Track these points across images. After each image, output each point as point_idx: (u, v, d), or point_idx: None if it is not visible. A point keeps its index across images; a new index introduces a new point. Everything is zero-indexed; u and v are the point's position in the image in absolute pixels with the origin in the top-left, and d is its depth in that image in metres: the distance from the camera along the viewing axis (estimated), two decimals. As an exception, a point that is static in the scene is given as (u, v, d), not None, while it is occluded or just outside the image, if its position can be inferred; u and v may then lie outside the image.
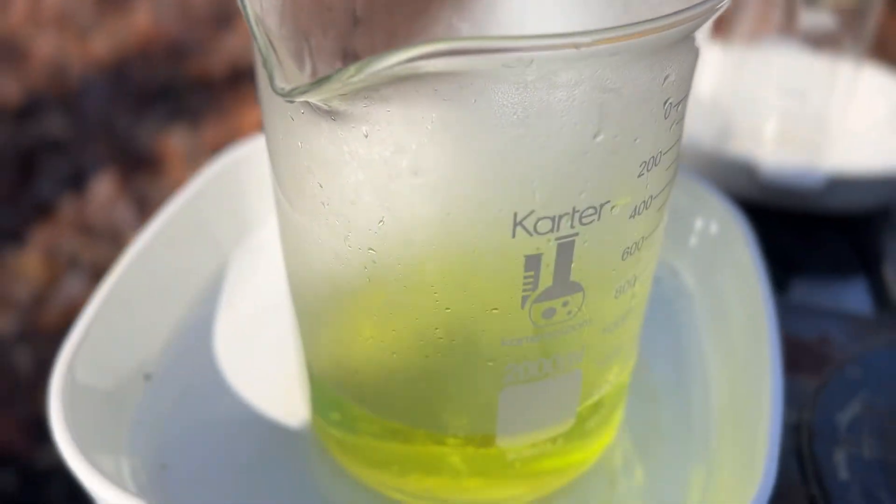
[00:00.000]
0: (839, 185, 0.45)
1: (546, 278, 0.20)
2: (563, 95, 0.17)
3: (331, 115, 0.18)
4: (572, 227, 0.19)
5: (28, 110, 1.52)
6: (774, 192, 0.46)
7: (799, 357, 0.32)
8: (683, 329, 0.32)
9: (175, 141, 1.44)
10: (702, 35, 0.20)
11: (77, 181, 1.35)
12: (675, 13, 0.17)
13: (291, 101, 0.16)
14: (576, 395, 0.23)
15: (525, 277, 0.19)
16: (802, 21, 0.52)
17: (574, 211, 0.19)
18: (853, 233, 0.47)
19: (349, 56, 0.26)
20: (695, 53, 0.19)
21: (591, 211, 0.19)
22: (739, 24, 0.53)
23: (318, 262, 0.21)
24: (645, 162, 0.19)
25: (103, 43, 1.71)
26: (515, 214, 0.18)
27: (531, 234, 0.19)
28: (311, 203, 0.20)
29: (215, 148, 1.41)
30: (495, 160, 0.18)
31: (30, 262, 1.19)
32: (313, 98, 0.17)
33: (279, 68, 0.16)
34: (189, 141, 1.45)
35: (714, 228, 0.32)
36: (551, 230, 0.19)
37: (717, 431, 0.27)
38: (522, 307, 0.20)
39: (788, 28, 0.53)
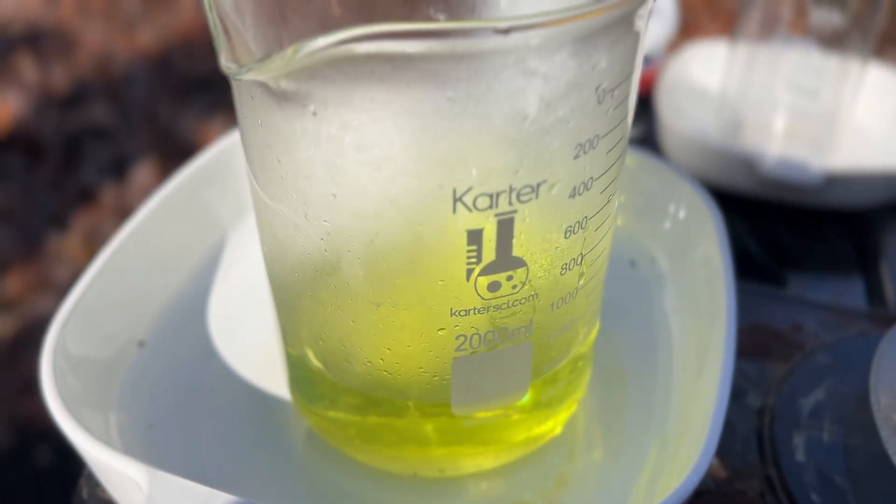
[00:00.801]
0: (839, 181, 0.45)
1: (489, 253, 0.21)
2: (490, 79, 0.18)
3: (282, 94, 0.19)
4: (510, 204, 0.20)
5: (74, 98, 1.56)
6: (775, 186, 0.47)
7: (771, 344, 0.33)
8: (655, 313, 0.33)
9: (215, 131, 1.47)
10: (642, 22, 0.21)
11: (119, 168, 1.39)
12: (590, 3, 0.18)
13: (237, 80, 0.18)
14: (527, 368, 0.24)
15: (468, 251, 0.21)
16: (812, 19, 0.52)
17: (511, 189, 0.20)
18: (853, 229, 0.47)
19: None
20: (631, 40, 0.20)
21: (528, 189, 0.20)
22: (749, 21, 0.53)
23: (282, 234, 0.23)
24: (581, 144, 0.20)
25: (148, 34, 1.75)
26: (455, 190, 0.20)
27: (471, 210, 0.20)
28: (272, 177, 0.22)
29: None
30: (432, 138, 0.19)
31: (71, 246, 1.23)
32: (258, 76, 0.18)
33: (227, 49, 0.18)
34: (229, 131, 1.48)
35: (685, 214, 0.33)
36: (490, 206, 0.20)
37: (676, 411, 0.28)
38: (468, 280, 0.21)
39: (798, 25, 0.53)
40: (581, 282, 0.24)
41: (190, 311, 0.33)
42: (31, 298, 1.14)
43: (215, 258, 0.35)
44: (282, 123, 0.20)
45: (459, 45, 0.17)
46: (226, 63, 0.18)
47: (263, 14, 0.23)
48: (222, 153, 0.36)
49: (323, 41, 0.16)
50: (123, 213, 1.30)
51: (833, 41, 0.52)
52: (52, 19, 1.79)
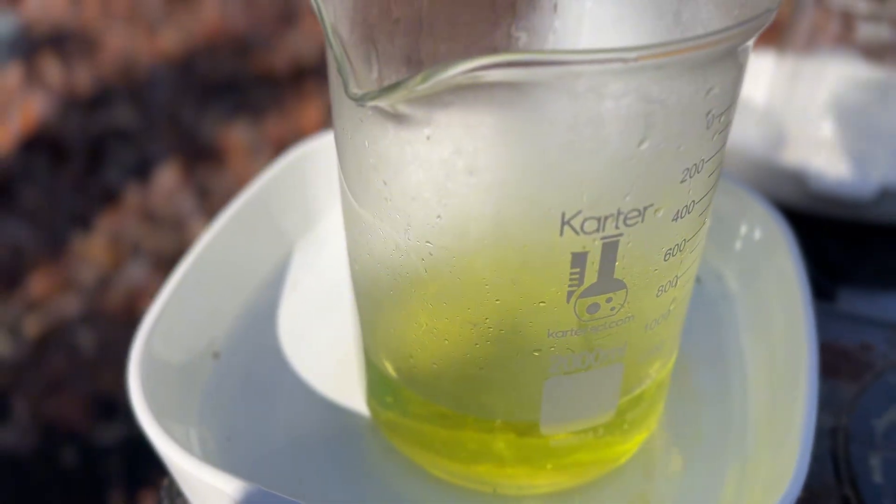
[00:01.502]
0: (890, 195, 0.45)
1: (591, 275, 0.21)
2: (611, 105, 0.18)
3: (396, 118, 0.19)
4: (617, 227, 0.20)
5: (98, 100, 1.57)
6: (824, 201, 0.47)
7: (840, 363, 0.33)
8: (725, 331, 0.33)
9: (237, 134, 1.48)
10: (746, 50, 0.21)
11: (142, 170, 1.39)
12: (718, 31, 0.18)
13: (362, 105, 0.18)
14: (617, 388, 0.24)
15: (571, 274, 0.21)
16: (860, 32, 0.52)
17: (619, 213, 0.20)
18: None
19: (413, 62, 0.27)
20: (739, 67, 0.21)
21: (635, 213, 0.20)
22: (796, 34, 0.53)
23: (380, 253, 0.23)
24: (688, 169, 0.20)
25: (171, 37, 1.76)
26: (563, 214, 0.20)
27: (578, 233, 0.20)
28: (375, 198, 0.22)
29: (276, 142, 1.44)
30: (546, 163, 0.19)
31: (95, 247, 1.24)
32: (382, 103, 0.18)
33: (353, 75, 0.18)
34: (251, 135, 1.48)
35: (758, 234, 0.33)
36: (597, 230, 0.20)
37: (754, 431, 0.28)
38: (568, 301, 0.21)
39: (845, 39, 0.53)
40: (673, 304, 0.24)
41: (261, 322, 0.33)
42: (55, 299, 1.15)
43: (282, 271, 0.35)
44: (392, 146, 0.20)
45: (586, 72, 0.17)
46: (353, 90, 0.18)
47: (358, 36, 0.23)
48: (288, 167, 0.36)
49: (455, 69, 0.17)
50: (146, 215, 1.31)
51: (880, 54, 0.52)
52: (76, 21, 1.80)
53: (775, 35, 0.54)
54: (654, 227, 0.21)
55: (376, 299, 0.25)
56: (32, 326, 1.10)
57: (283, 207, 0.36)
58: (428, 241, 0.21)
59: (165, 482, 0.29)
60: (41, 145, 1.45)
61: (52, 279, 1.18)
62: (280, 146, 1.43)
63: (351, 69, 0.18)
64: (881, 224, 0.47)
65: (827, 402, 0.31)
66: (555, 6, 0.28)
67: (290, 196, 0.36)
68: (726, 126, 0.21)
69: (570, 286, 0.21)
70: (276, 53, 1.71)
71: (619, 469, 0.28)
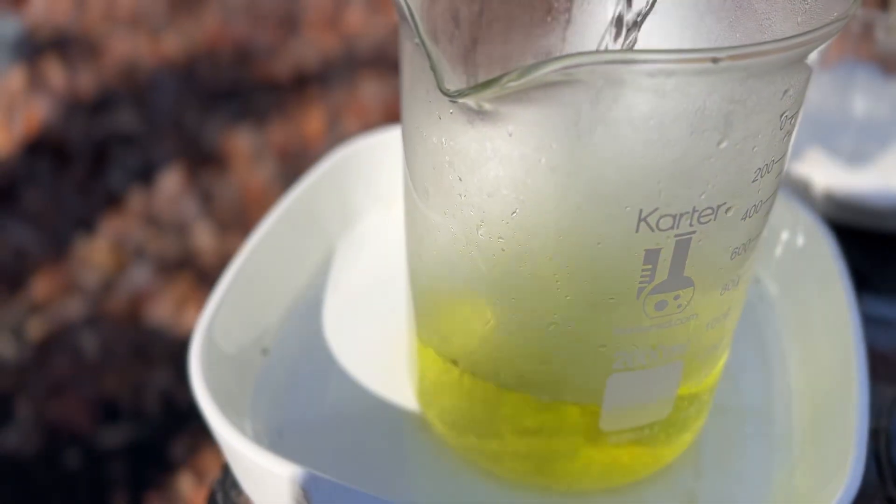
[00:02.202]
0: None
1: (662, 272, 0.21)
2: (696, 104, 0.19)
3: (480, 114, 0.20)
4: (691, 225, 0.21)
5: (102, 105, 1.57)
6: (848, 210, 0.47)
7: (876, 366, 0.33)
8: (766, 334, 0.33)
9: (240, 140, 1.48)
10: (816, 53, 0.21)
11: (146, 175, 1.40)
12: (803, 34, 0.18)
13: (455, 102, 0.19)
14: (676, 386, 0.25)
15: (643, 270, 0.21)
16: (879, 45, 0.53)
17: (694, 210, 0.20)
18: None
19: (470, 62, 0.28)
20: (808, 71, 0.21)
21: (708, 211, 0.21)
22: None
23: (448, 249, 0.23)
24: (759, 168, 0.21)
25: (174, 42, 1.76)
26: (641, 211, 0.20)
27: (653, 230, 0.20)
28: (448, 195, 0.22)
29: (279, 148, 1.44)
30: (628, 160, 0.20)
31: (98, 251, 1.24)
32: (472, 100, 0.19)
33: (448, 72, 0.19)
34: (254, 141, 1.49)
35: (801, 241, 0.34)
36: (672, 227, 0.21)
37: (800, 434, 0.29)
38: (637, 298, 0.22)
39: (865, 52, 0.53)
40: (734, 303, 0.24)
41: (306, 320, 0.33)
42: (58, 302, 1.15)
43: (325, 269, 0.35)
44: (471, 143, 0.21)
45: (677, 71, 0.18)
46: (448, 86, 0.18)
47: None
48: (330, 170, 0.36)
49: (552, 66, 0.17)
50: (150, 219, 1.31)
51: (899, 65, 0.53)
52: (80, 25, 1.80)
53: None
54: (725, 225, 0.21)
55: (439, 295, 0.25)
56: (36, 329, 1.10)
57: (325, 209, 0.36)
58: (500, 237, 0.22)
59: (219, 477, 0.29)
60: (44, 148, 1.45)
61: (56, 282, 1.18)
62: (283, 152, 1.44)
63: (442, 67, 0.19)
64: (904, 234, 0.47)
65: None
66: (609, 10, 0.28)
67: (330, 198, 0.36)
68: (794, 127, 0.22)
69: (640, 283, 0.22)
70: (278, 60, 1.71)
71: (668, 467, 0.28)
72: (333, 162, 0.37)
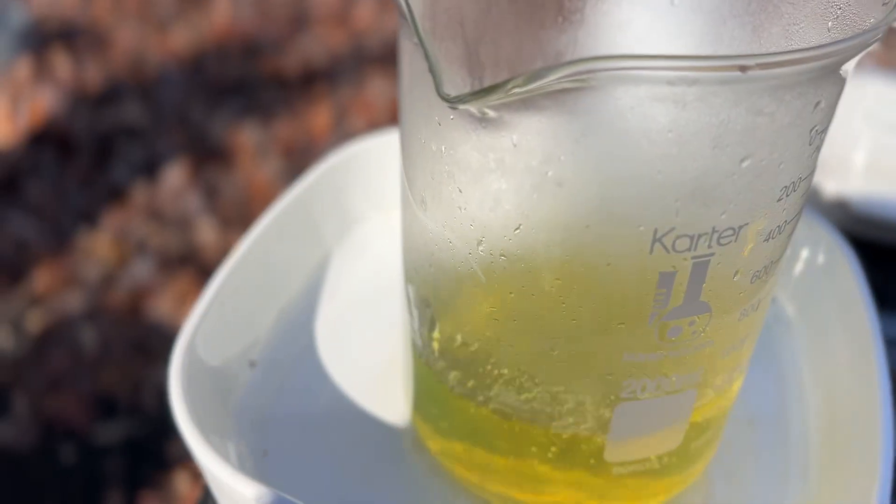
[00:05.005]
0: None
1: (677, 296, 0.20)
2: (720, 117, 0.17)
3: (482, 122, 0.18)
4: (709, 247, 0.19)
5: (107, 97, 1.56)
6: (865, 224, 0.45)
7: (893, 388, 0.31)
8: (783, 356, 0.31)
9: (246, 135, 1.47)
10: (850, 65, 0.20)
11: (150, 168, 1.38)
12: (838, 42, 0.17)
13: (454, 108, 0.17)
14: (687, 416, 0.23)
15: (657, 294, 0.20)
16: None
17: (713, 231, 0.19)
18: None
19: (475, 65, 0.26)
20: (842, 83, 0.19)
21: (729, 232, 0.19)
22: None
23: (445, 264, 0.22)
24: (786, 187, 0.19)
25: (182, 36, 1.75)
26: (656, 231, 0.18)
27: (668, 252, 0.19)
28: (447, 207, 0.21)
29: (285, 145, 1.43)
30: (642, 176, 0.18)
31: (100, 244, 1.23)
32: (474, 106, 0.17)
33: (449, 75, 0.17)
34: (259, 136, 1.47)
35: (820, 258, 0.32)
36: (689, 248, 0.19)
37: (817, 460, 0.27)
38: (649, 324, 0.20)
39: (883, 59, 0.52)
40: (752, 329, 0.23)
41: (297, 331, 0.32)
42: (58, 294, 1.14)
43: (319, 278, 0.34)
44: (472, 152, 0.19)
45: (701, 79, 0.16)
46: (447, 90, 0.17)
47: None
48: (327, 173, 0.35)
49: (561, 71, 0.15)
50: (153, 213, 1.30)
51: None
52: (87, 17, 1.79)
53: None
54: (747, 246, 0.20)
55: (437, 311, 0.23)
56: (35, 322, 1.09)
57: (321, 213, 0.34)
58: (502, 255, 0.20)
59: (200, 497, 0.27)
60: (49, 140, 1.44)
61: (57, 275, 1.17)
62: (288, 148, 1.42)
63: (443, 70, 0.17)
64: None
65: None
66: (624, 14, 0.27)
67: (327, 202, 0.35)
68: (822, 143, 0.20)
69: (653, 308, 0.20)
70: (286, 56, 1.70)
71: (676, 497, 0.27)
72: (332, 164, 0.35)
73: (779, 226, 0.20)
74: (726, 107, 0.17)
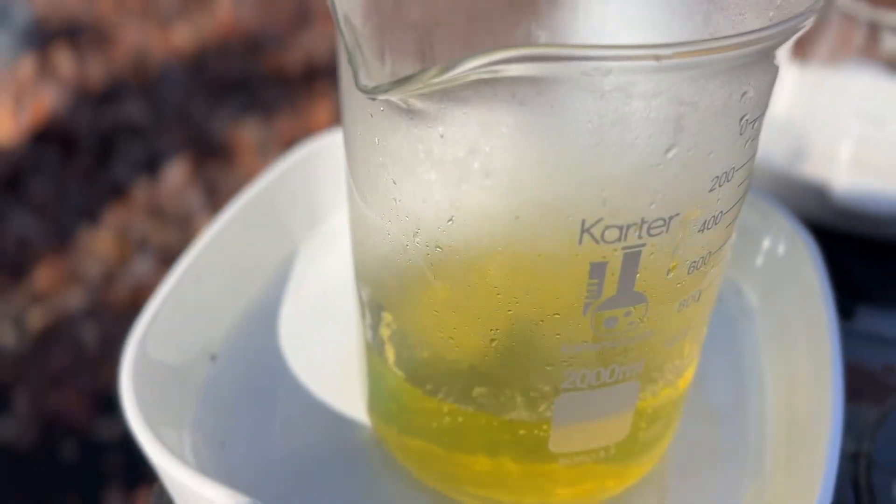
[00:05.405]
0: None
1: (610, 287, 0.20)
2: (640, 107, 0.17)
3: (409, 113, 0.18)
4: (640, 237, 0.19)
5: (109, 95, 1.57)
6: (847, 216, 0.45)
7: (862, 385, 0.31)
8: (743, 348, 0.31)
9: (247, 133, 1.47)
10: (782, 53, 0.20)
11: (151, 166, 1.39)
12: (758, 30, 0.17)
13: (373, 99, 0.17)
14: (631, 407, 0.23)
15: (589, 285, 0.20)
16: (885, 45, 0.51)
17: (643, 222, 0.19)
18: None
19: (427, 57, 0.26)
20: (774, 71, 0.19)
21: (659, 223, 0.19)
22: (819, 45, 0.52)
23: (387, 255, 0.22)
24: (717, 177, 0.19)
25: (184, 34, 1.76)
26: (584, 221, 0.18)
27: (598, 242, 0.19)
28: (384, 198, 0.21)
29: (287, 141, 1.43)
30: (568, 167, 0.18)
31: (102, 241, 1.23)
32: (394, 96, 0.17)
33: (364, 66, 0.17)
34: (261, 133, 1.48)
35: (781, 249, 0.32)
36: (618, 239, 0.19)
37: (772, 453, 0.27)
38: (584, 314, 0.20)
39: (870, 51, 0.51)
40: (695, 320, 0.23)
41: (261, 324, 0.32)
42: (59, 292, 1.14)
43: (286, 271, 0.34)
44: (403, 144, 0.19)
45: (616, 69, 0.16)
46: (364, 81, 0.17)
47: (371, 27, 0.22)
48: (295, 164, 0.35)
49: (474, 62, 0.15)
50: (154, 210, 1.30)
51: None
52: (90, 15, 1.80)
53: (798, 46, 0.53)
54: (680, 237, 0.20)
55: (382, 303, 0.23)
56: (36, 319, 1.10)
57: (289, 206, 0.35)
58: (438, 246, 0.20)
59: (157, 487, 0.27)
60: (51, 138, 1.45)
61: (58, 272, 1.18)
62: (290, 145, 1.43)
63: (363, 59, 0.17)
64: (903, 242, 0.45)
65: (849, 427, 0.30)
66: (578, 5, 0.27)
67: (295, 194, 0.35)
68: (758, 133, 0.20)
69: (587, 298, 0.20)
70: (288, 53, 1.70)
71: (630, 489, 0.27)
72: (300, 155, 0.35)
73: (714, 216, 0.20)
74: (646, 97, 0.17)
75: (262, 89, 1.62)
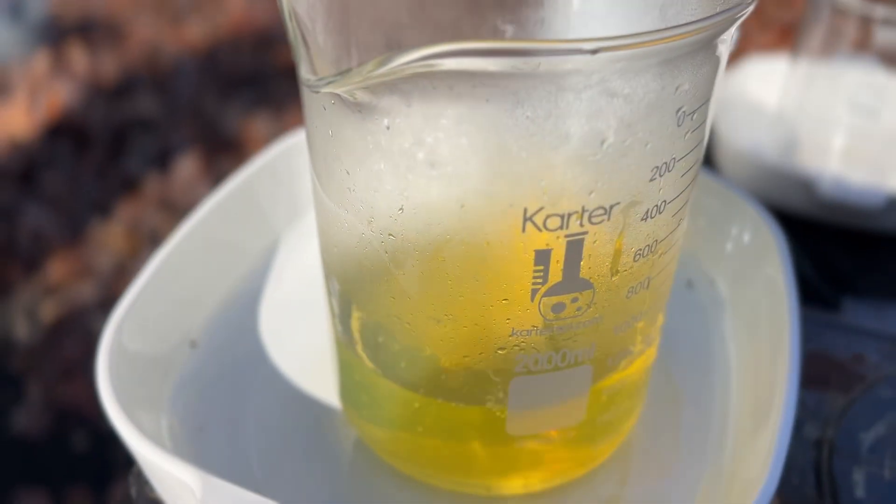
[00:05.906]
0: (901, 205, 0.44)
1: (555, 274, 0.20)
2: (571, 99, 0.18)
3: (356, 106, 0.19)
4: (581, 225, 0.20)
5: (122, 89, 1.58)
6: (834, 209, 0.46)
7: (830, 374, 0.32)
8: (712, 336, 0.32)
9: (258, 126, 1.49)
10: (724, 46, 0.20)
11: (163, 160, 1.40)
12: (685, 24, 0.17)
13: (316, 92, 0.18)
14: (585, 391, 0.24)
15: (535, 271, 0.20)
16: (877, 38, 0.51)
17: (584, 210, 0.19)
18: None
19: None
20: (713, 63, 0.20)
21: (600, 211, 0.20)
22: (811, 38, 0.52)
23: (346, 243, 0.23)
24: (657, 167, 0.20)
25: (196, 29, 1.77)
26: (525, 210, 0.19)
27: (540, 230, 0.20)
28: (340, 188, 0.21)
29: (295, 135, 1.44)
30: (507, 157, 0.19)
31: (113, 234, 1.25)
32: (337, 89, 0.18)
33: (307, 60, 0.18)
34: (272, 127, 1.49)
35: (747, 238, 0.32)
36: (560, 227, 0.20)
37: (733, 438, 0.28)
38: (532, 300, 0.21)
39: (862, 44, 0.52)
40: (646, 306, 0.23)
41: (242, 312, 0.33)
42: (72, 284, 1.16)
43: (268, 261, 0.35)
44: (354, 136, 0.20)
45: (544, 63, 0.17)
46: (305, 74, 0.17)
47: (331, 22, 0.23)
48: (279, 155, 0.36)
49: (406, 56, 0.16)
50: (166, 203, 1.32)
51: (897, 60, 0.51)
52: (104, 11, 1.82)
53: (789, 39, 0.53)
54: (622, 226, 0.20)
55: (344, 288, 0.24)
56: (49, 311, 1.11)
57: (271, 196, 0.35)
58: (391, 234, 0.21)
59: (135, 470, 0.28)
60: (65, 132, 1.47)
61: (71, 265, 1.19)
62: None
63: (306, 53, 0.18)
64: (890, 234, 0.45)
65: (814, 414, 0.30)
66: (544, 1, 0.27)
67: (278, 185, 0.36)
68: (701, 124, 0.21)
69: (533, 284, 0.21)
70: (300, 47, 1.71)
71: (593, 472, 0.27)
72: (282, 148, 0.36)
73: (656, 205, 0.21)
74: (577, 90, 0.18)
75: (273, 84, 1.62)
